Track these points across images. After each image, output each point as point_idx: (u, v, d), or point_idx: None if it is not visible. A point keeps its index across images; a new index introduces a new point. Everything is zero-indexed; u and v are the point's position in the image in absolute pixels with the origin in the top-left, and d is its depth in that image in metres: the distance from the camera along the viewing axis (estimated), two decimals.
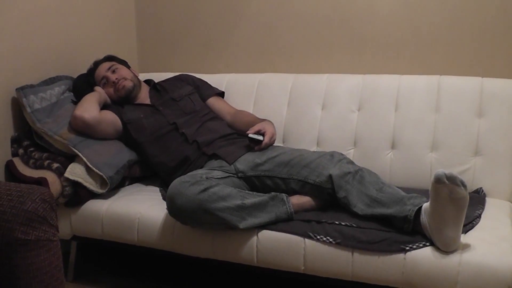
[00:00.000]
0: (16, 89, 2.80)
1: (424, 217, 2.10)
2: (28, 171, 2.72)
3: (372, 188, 2.31)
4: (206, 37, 3.56)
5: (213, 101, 3.11)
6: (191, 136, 2.80)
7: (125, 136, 2.91)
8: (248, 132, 2.72)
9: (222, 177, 2.50)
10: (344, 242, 2.18)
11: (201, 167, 2.68)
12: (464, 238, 2.09)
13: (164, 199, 2.63)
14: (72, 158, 2.75)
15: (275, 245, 2.30)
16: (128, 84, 2.98)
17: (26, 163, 2.78)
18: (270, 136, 2.71)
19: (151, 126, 2.87)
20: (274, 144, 2.78)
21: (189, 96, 3.04)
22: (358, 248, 2.16)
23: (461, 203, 1.98)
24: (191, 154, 2.75)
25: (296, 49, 3.32)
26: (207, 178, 2.38)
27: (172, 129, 2.85)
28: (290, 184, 2.52)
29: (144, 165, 2.97)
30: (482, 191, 2.64)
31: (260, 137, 2.69)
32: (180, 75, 3.26)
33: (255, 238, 2.33)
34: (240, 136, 2.86)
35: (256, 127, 2.74)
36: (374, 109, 2.91)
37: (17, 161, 2.81)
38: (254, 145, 2.70)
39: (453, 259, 2.01)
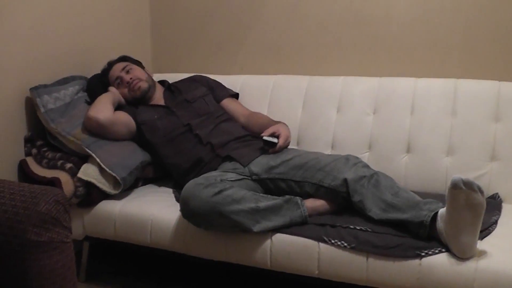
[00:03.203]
0: (30, 89, 2.80)
1: (440, 223, 2.07)
2: (41, 171, 2.72)
3: (388, 193, 2.29)
4: (220, 38, 3.54)
5: (227, 103, 3.10)
6: (205, 137, 2.79)
7: (139, 137, 2.90)
8: (262, 134, 2.70)
9: (236, 180, 2.49)
10: (359, 246, 2.16)
11: (215, 169, 2.67)
12: (481, 245, 2.06)
13: (177, 200, 2.62)
14: (85, 158, 2.74)
15: (289, 249, 2.29)
16: (144, 85, 2.98)
17: (39, 162, 2.78)
18: (284, 139, 2.69)
19: (165, 127, 2.86)
20: (289, 147, 2.76)
21: (203, 97, 3.03)
22: (373, 253, 2.14)
23: (477, 209, 1.96)
24: (204, 155, 2.74)
25: (311, 51, 3.30)
26: (221, 180, 2.36)
27: (186, 130, 2.84)
28: (304, 187, 2.50)
29: (158, 166, 2.96)
30: (498, 196, 2.62)
31: (275, 140, 2.67)
32: (194, 76, 3.25)
33: (269, 241, 2.32)
34: (254, 138, 2.85)
35: (271, 130, 2.72)
36: (389, 112, 2.89)
37: (30, 161, 2.81)
38: (268, 148, 2.68)
39: (469, 266, 1.99)
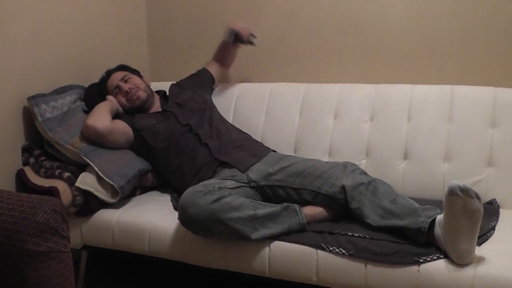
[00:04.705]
0: (28, 98, 2.80)
1: (438, 229, 2.07)
2: (39, 180, 2.71)
3: (385, 199, 2.29)
4: (217, 46, 3.54)
5: (210, 67, 3.31)
6: (204, 137, 2.81)
7: (138, 145, 2.90)
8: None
9: (234, 187, 2.49)
10: (357, 253, 2.16)
11: (213, 172, 2.69)
12: (479, 251, 2.06)
13: (175, 208, 2.62)
14: (83, 167, 2.74)
15: (288, 256, 2.28)
16: (143, 95, 2.99)
17: (37, 172, 2.77)
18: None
19: (165, 130, 2.87)
20: (287, 154, 2.76)
21: (191, 99, 3.06)
22: (372, 260, 2.14)
23: (475, 215, 1.96)
24: (202, 157, 2.76)
25: (308, 58, 3.30)
26: (219, 188, 2.36)
27: (186, 130, 2.86)
28: (302, 195, 2.50)
29: (156, 174, 2.96)
30: (496, 202, 2.62)
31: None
32: (177, 83, 3.28)
33: (267, 249, 2.32)
34: (251, 142, 2.88)
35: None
36: (386, 119, 2.89)
37: (28, 170, 2.80)
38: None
39: (468, 272, 1.99)
